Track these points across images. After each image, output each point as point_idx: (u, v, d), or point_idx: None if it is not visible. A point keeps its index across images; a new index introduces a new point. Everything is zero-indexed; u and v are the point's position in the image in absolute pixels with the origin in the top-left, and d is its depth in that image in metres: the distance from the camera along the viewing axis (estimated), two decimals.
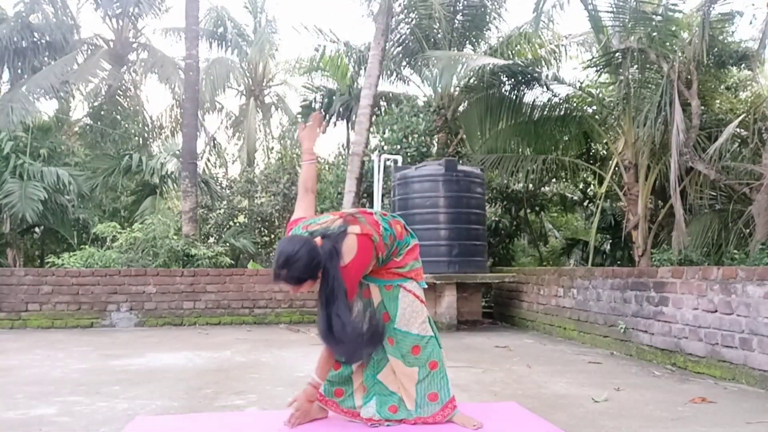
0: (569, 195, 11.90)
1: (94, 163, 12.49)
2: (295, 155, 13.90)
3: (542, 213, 11.72)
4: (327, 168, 12.90)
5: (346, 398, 2.78)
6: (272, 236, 12.94)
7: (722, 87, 9.08)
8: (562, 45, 10.60)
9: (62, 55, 13.07)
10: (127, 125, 14.75)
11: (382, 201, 8.33)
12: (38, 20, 13.42)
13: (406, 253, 2.78)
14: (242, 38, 16.22)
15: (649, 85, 7.85)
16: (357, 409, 2.76)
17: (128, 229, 9.08)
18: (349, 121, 11.61)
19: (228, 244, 10.74)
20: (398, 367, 2.73)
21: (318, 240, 2.50)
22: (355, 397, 2.77)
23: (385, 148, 9.12)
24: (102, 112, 14.63)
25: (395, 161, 8.16)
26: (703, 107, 7.52)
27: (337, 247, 2.48)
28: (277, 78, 18.95)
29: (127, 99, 15.50)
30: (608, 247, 11.08)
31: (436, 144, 10.07)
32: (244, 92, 18.29)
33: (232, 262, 9.64)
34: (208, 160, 17.53)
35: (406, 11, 10.38)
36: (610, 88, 9.27)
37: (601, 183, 9.61)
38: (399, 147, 8.98)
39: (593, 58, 8.86)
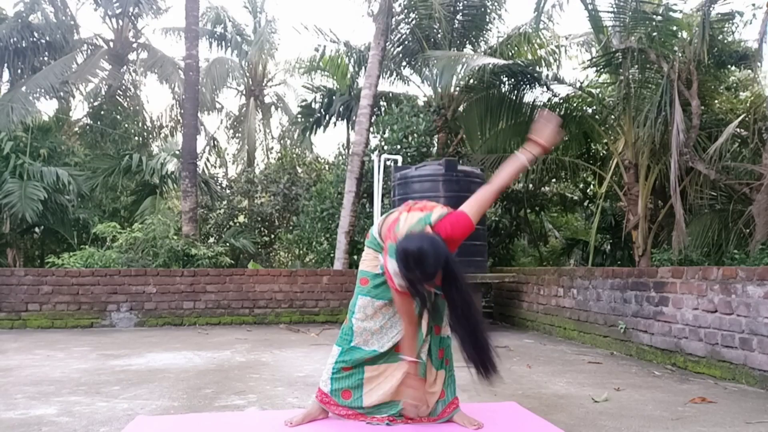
0: (569, 195, 11.90)
1: (94, 163, 12.49)
2: (294, 155, 13.91)
3: (542, 213, 11.71)
4: (327, 168, 12.91)
5: (354, 399, 2.73)
6: (272, 236, 12.95)
7: (722, 87, 9.07)
8: (562, 45, 10.60)
9: (62, 55, 13.08)
10: (127, 125, 14.75)
11: (382, 201, 8.32)
12: (38, 20, 13.42)
13: None
14: (242, 38, 16.23)
15: (649, 85, 7.84)
16: (364, 410, 2.74)
17: (128, 229, 9.07)
18: (349, 121, 11.61)
19: (228, 244, 10.75)
20: (432, 377, 2.72)
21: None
22: (364, 399, 2.73)
23: (385, 148, 9.11)
24: (102, 112, 14.63)
25: (395, 161, 8.15)
26: (703, 107, 7.51)
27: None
28: (277, 78, 18.99)
29: (127, 99, 15.50)
30: (608, 247, 11.08)
31: (436, 144, 10.06)
32: (244, 92, 18.30)
33: (232, 262, 9.64)
34: (208, 160, 17.56)
35: (406, 11, 10.38)
36: (610, 88, 9.26)
37: (601, 183, 9.61)
38: (399, 147, 8.98)
39: (593, 58, 8.85)
